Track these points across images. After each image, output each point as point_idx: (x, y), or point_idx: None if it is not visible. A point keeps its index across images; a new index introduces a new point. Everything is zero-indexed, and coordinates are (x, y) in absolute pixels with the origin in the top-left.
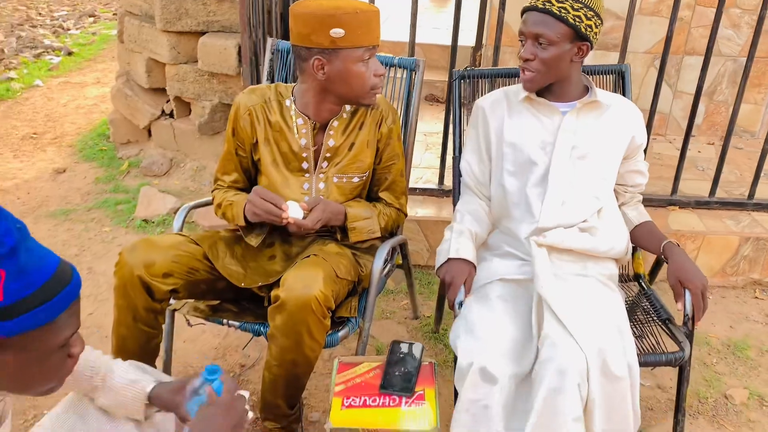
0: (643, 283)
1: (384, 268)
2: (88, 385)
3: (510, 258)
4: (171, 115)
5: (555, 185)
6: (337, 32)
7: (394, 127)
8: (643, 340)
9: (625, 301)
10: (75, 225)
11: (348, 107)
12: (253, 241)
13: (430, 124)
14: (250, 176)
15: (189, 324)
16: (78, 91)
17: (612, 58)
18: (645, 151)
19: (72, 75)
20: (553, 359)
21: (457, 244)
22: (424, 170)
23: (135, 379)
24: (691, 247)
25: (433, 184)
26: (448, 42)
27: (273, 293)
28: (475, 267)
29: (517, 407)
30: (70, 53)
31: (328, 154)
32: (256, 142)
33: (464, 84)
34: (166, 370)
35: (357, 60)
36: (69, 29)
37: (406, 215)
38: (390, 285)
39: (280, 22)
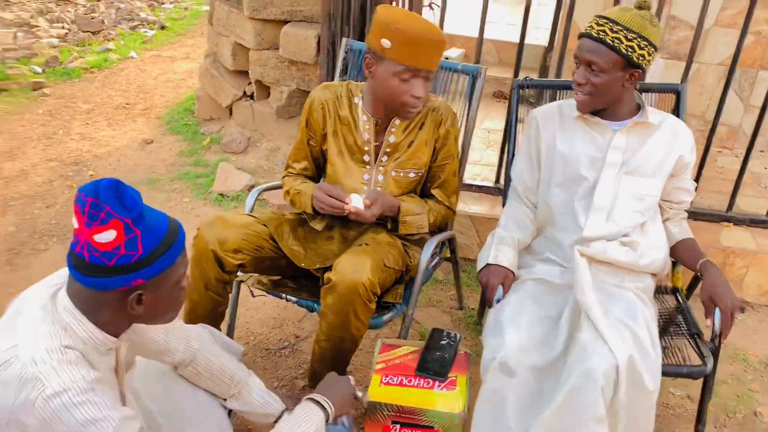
0: (679, 297)
1: (431, 261)
2: (225, 391)
3: (551, 263)
4: (251, 96)
5: (601, 199)
6: (385, 42)
7: (451, 130)
8: (669, 351)
9: (659, 313)
10: (158, 194)
11: None
12: (318, 225)
13: (495, 122)
14: (318, 165)
15: (252, 295)
16: (168, 65)
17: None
18: (703, 165)
19: (163, 49)
20: (582, 362)
21: (496, 251)
22: (483, 167)
23: (268, 401)
24: (739, 265)
25: (489, 182)
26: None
27: (326, 275)
28: (513, 273)
29: (537, 402)
30: (163, 27)
31: (388, 150)
32: (326, 133)
33: (523, 92)
34: (230, 333)
35: (396, 75)
36: (163, 3)
37: (455, 213)
38: (439, 275)
39: (359, 17)
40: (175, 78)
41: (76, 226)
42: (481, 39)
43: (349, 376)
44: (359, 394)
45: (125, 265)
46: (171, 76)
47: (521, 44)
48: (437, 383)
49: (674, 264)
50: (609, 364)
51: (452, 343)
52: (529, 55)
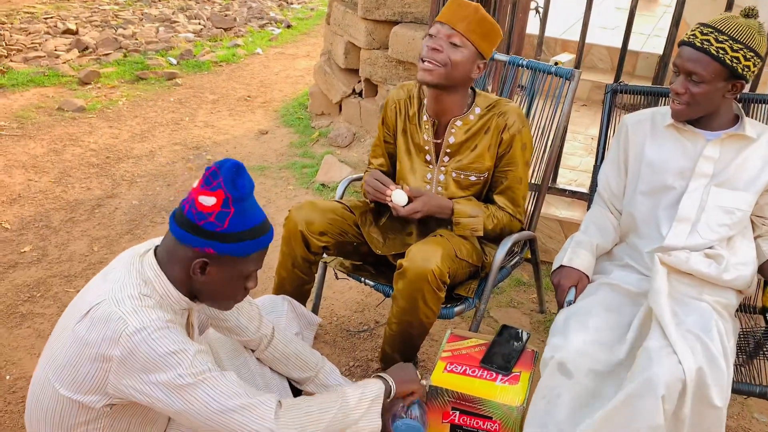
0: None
1: (510, 260)
2: (299, 375)
3: (629, 270)
4: (360, 94)
5: (686, 210)
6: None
7: (517, 136)
8: (746, 369)
9: (742, 332)
10: (267, 180)
11: (477, 109)
12: (382, 219)
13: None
14: (395, 162)
15: (336, 277)
16: (290, 62)
17: None
18: None
19: (287, 47)
20: (646, 369)
21: (572, 253)
22: (580, 173)
23: (342, 384)
24: None
25: (584, 188)
26: (638, 48)
27: (399, 261)
28: (587, 276)
29: (593, 403)
30: (289, 26)
31: (448, 150)
32: (396, 131)
33: (617, 97)
34: (314, 311)
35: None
36: (291, 3)
37: (521, 222)
38: (524, 277)
39: None
40: (295, 74)
41: (194, 185)
42: (582, 44)
43: (413, 365)
44: (423, 381)
45: (208, 230)
46: (291, 73)
47: (624, 49)
48: (500, 376)
49: (766, 283)
50: (674, 375)
51: (520, 340)
52: (644, 64)
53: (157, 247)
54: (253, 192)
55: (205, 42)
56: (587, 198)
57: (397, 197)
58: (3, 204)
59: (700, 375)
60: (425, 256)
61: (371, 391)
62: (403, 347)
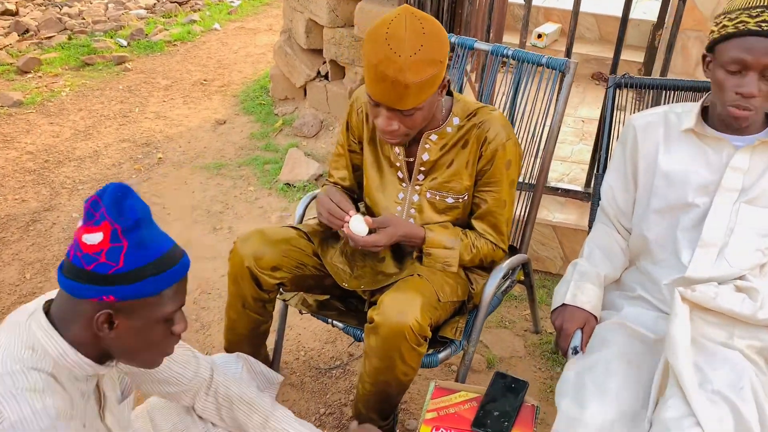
0: None
1: (501, 286)
2: (247, 421)
3: (643, 305)
4: (326, 77)
5: (712, 232)
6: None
7: (500, 151)
8: None
9: None
10: (225, 180)
11: (455, 120)
12: (348, 250)
13: (592, 108)
14: (361, 176)
15: (300, 313)
16: (250, 38)
17: None
18: None
19: (248, 20)
20: None
21: (575, 288)
22: (572, 165)
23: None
24: None
25: (579, 186)
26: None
27: (369, 313)
28: (595, 317)
29: None
30: None
31: (422, 168)
32: (363, 140)
33: (620, 92)
34: (278, 350)
35: (370, 102)
36: None
37: (505, 252)
38: (516, 290)
39: None
40: (256, 52)
41: (79, 224)
42: (573, 30)
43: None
44: None
45: (101, 274)
46: (252, 50)
47: (624, 21)
48: None
49: None
50: None
51: (517, 392)
52: (634, 32)
53: (49, 302)
54: (150, 215)
55: (159, 19)
56: (583, 197)
57: (356, 225)
58: None
59: None
60: (401, 309)
61: None
62: (379, 406)
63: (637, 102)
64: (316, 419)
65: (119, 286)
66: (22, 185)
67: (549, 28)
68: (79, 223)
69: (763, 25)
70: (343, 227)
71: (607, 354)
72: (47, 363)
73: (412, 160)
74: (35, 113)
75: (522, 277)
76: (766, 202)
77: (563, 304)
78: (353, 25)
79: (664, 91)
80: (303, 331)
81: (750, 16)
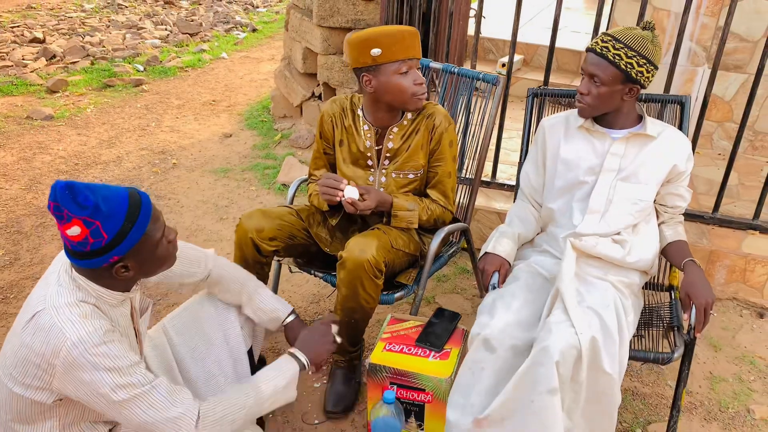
0: (673, 294)
1: (448, 250)
2: (236, 297)
3: (546, 255)
4: (319, 97)
5: (596, 202)
6: (375, 51)
7: (445, 134)
8: (643, 339)
9: (648, 308)
10: (230, 182)
11: (409, 115)
12: (333, 221)
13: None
14: (335, 170)
15: (290, 270)
16: (254, 66)
17: (731, 79)
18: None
19: (252, 51)
20: (544, 340)
21: (496, 242)
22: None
23: (276, 307)
24: (760, 272)
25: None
26: (581, 48)
27: (339, 254)
28: (509, 262)
29: (510, 377)
30: (254, 30)
31: (388, 154)
32: (334, 143)
33: (537, 101)
34: None
35: (396, 72)
36: (257, 7)
37: (452, 213)
38: (468, 265)
39: (418, 23)
40: (259, 78)
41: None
42: (513, 44)
43: (333, 325)
44: (339, 339)
45: (98, 248)
46: (255, 77)
47: (551, 50)
48: (433, 353)
49: (670, 264)
50: (569, 343)
51: (452, 320)
52: (578, 62)
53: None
54: (100, 187)
55: (172, 48)
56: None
57: (350, 192)
58: None
59: (593, 344)
60: (362, 248)
61: (284, 378)
62: (348, 331)
63: (555, 107)
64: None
65: (116, 248)
66: None
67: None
68: (56, 223)
69: (595, 45)
70: (340, 197)
71: (514, 286)
72: (91, 298)
73: (380, 148)
74: (65, 126)
75: (465, 245)
76: (636, 179)
77: (486, 253)
78: (343, 53)
79: (571, 99)
80: (293, 294)
81: (594, 39)
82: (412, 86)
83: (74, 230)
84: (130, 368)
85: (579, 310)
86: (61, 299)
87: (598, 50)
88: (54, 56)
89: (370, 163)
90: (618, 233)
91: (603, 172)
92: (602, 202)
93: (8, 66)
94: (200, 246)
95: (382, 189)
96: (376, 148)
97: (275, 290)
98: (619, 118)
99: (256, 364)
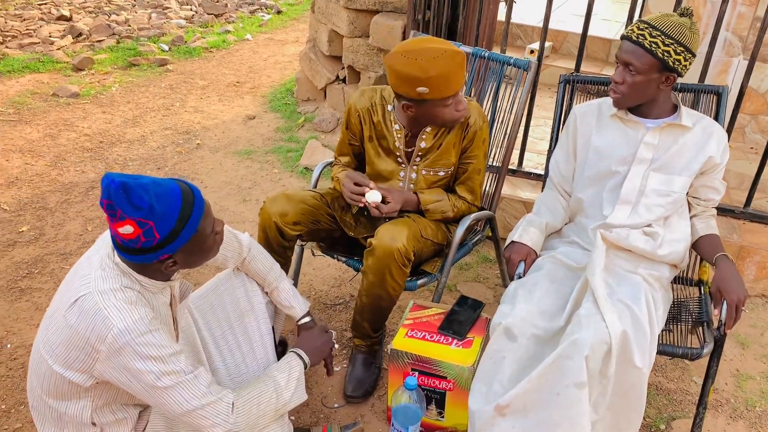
0: (702, 289)
1: (472, 238)
2: (264, 287)
3: (574, 246)
4: (344, 80)
5: (628, 193)
6: (422, 90)
7: (478, 132)
8: (671, 334)
9: (677, 302)
10: (253, 164)
11: None
12: (354, 209)
13: None
14: (361, 159)
15: (313, 254)
16: (278, 48)
17: (767, 70)
18: None
19: (277, 32)
20: (574, 333)
21: (522, 231)
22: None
23: (292, 305)
24: None
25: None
26: (611, 36)
27: (369, 241)
28: (535, 252)
29: (533, 366)
30: (279, 12)
31: (420, 153)
32: (363, 138)
33: (568, 87)
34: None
35: (441, 106)
36: None
37: (478, 208)
38: (491, 254)
39: (446, 6)
40: (283, 60)
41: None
42: (545, 29)
43: (331, 331)
44: (336, 346)
45: (149, 247)
46: (279, 59)
47: (583, 37)
48: (455, 341)
49: (701, 258)
50: (599, 337)
51: (475, 308)
52: (607, 50)
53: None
54: (152, 183)
55: (197, 28)
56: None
57: (372, 196)
58: (1, 186)
59: (624, 338)
60: (393, 236)
61: (295, 371)
62: (372, 317)
63: (586, 95)
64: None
65: (167, 247)
66: (82, 160)
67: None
68: (108, 220)
69: (630, 32)
70: (362, 203)
71: (537, 275)
72: (136, 284)
73: (411, 150)
74: (90, 103)
75: (490, 233)
76: (669, 170)
77: (512, 242)
78: (368, 36)
79: (603, 87)
80: (314, 277)
81: (629, 27)
82: (455, 113)
83: (127, 229)
84: (173, 356)
85: (609, 303)
86: (106, 284)
87: (634, 38)
88: (80, 34)
89: (399, 160)
90: (649, 225)
91: (636, 162)
92: (634, 193)
93: (35, 43)
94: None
95: (412, 185)
96: (407, 150)
97: (297, 275)
98: (654, 108)
99: (277, 345)
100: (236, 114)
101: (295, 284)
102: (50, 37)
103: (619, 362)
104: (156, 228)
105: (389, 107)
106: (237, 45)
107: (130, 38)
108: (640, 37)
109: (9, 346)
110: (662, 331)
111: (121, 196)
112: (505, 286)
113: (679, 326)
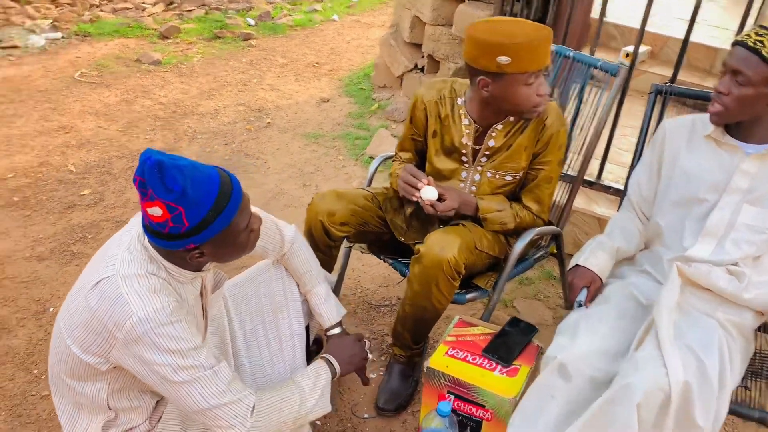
0: None
1: (535, 253)
2: (293, 286)
3: (646, 277)
4: (422, 69)
5: (715, 223)
6: (504, 59)
7: (555, 136)
8: (749, 392)
9: (756, 354)
10: (319, 148)
11: None
12: (409, 208)
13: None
14: (424, 156)
15: (361, 252)
16: (363, 31)
17: None
18: None
19: (364, 15)
20: (627, 376)
21: (590, 254)
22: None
23: (322, 314)
24: None
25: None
26: (718, 45)
27: (416, 247)
28: (601, 279)
29: (583, 411)
30: None
31: (487, 152)
32: (427, 133)
33: (660, 98)
34: (339, 283)
35: (521, 83)
36: None
37: (544, 222)
38: (555, 270)
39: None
40: (366, 44)
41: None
42: (641, 32)
43: (366, 341)
44: (370, 356)
45: (177, 233)
46: (363, 42)
47: (684, 44)
48: (500, 367)
49: None
50: (656, 384)
51: (527, 333)
52: (712, 60)
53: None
54: (190, 166)
55: (285, 5)
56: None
57: (427, 193)
58: (72, 147)
59: (686, 390)
60: (443, 245)
61: (322, 379)
62: (414, 328)
63: (679, 109)
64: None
65: (194, 236)
66: (153, 128)
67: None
68: (139, 198)
69: (746, 37)
70: (416, 197)
71: (605, 307)
72: (162, 272)
73: (478, 147)
74: (170, 72)
75: (555, 250)
76: (766, 203)
77: (576, 265)
78: (452, 25)
79: (702, 102)
80: (363, 274)
81: (746, 31)
82: (535, 97)
83: (155, 211)
84: (192, 351)
85: (674, 347)
86: (131, 269)
87: (750, 44)
88: (172, 2)
89: (464, 159)
90: (735, 263)
91: (728, 190)
92: (722, 226)
93: (128, 8)
94: (278, 212)
95: (474, 188)
96: (475, 147)
97: (342, 273)
98: (757, 129)
99: (311, 345)
100: (311, 95)
101: (340, 282)
102: (143, 2)
103: (677, 418)
104: (186, 215)
105: (459, 100)
106: (322, 25)
107: (219, 10)
108: (758, 43)
109: (51, 309)
110: (737, 387)
111: (155, 175)
112: (568, 308)
113: (759, 383)
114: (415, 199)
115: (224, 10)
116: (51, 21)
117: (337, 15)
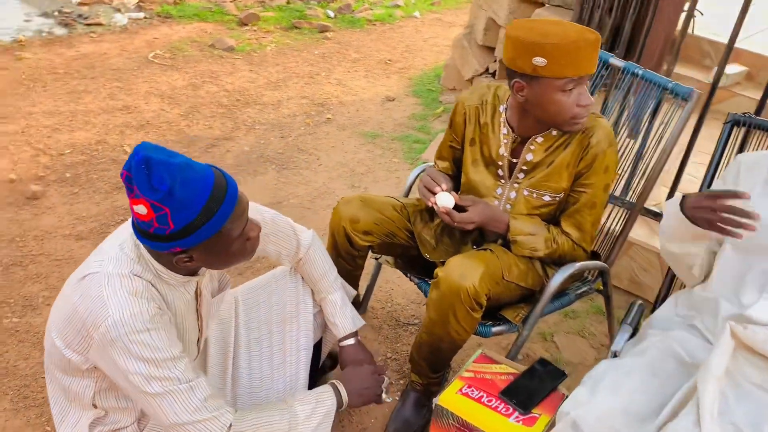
0: None
1: (579, 287)
2: (311, 293)
3: (693, 332)
4: (493, 74)
5: None
6: (539, 61)
7: (600, 156)
8: None
9: None
10: (375, 149)
11: None
12: (437, 226)
13: None
14: (460, 167)
15: (388, 264)
16: (443, 30)
17: None
18: None
19: (447, 13)
20: None
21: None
22: None
23: (335, 324)
24: None
25: None
26: None
27: (436, 270)
28: None
29: None
30: None
31: (524, 167)
32: (464, 141)
33: (737, 131)
34: (368, 294)
35: (557, 89)
36: None
37: (586, 251)
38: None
39: (618, 6)
40: (443, 43)
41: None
42: (728, 50)
43: (385, 376)
44: (384, 396)
45: (162, 235)
46: (440, 41)
47: None
48: (516, 414)
49: None
50: None
51: (554, 378)
52: None
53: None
54: (181, 162)
55: None
56: None
57: (443, 199)
58: (132, 128)
59: None
60: (463, 272)
61: (323, 407)
62: (430, 357)
63: (762, 142)
64: (382, 360)
65: (179, 240)
66: (213, 115)
67: (732, 69)
68: (126, 193)
69: None
70: (431, 202)
71: (637, 361)
72: (148, 274)
73: (515, 160)
74: (241, 60)
75: (601, 287)
76: None
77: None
78: None
79: None
80: (396, 287)
81: None
82: (574, 108)
83: (141, 209)
84: (168, 361)
85: (717, 422)
86: (117, 267)
87: None
88: None
89: (500, 173)
90: None
91: None
92: None
93: None
94: (321, 212)
95: (509, 206)
96: (512, 159)
97: (372, 286)
98: None
99: (325, 359)
100: (376, 93)
101: (369, 294)
102: None
103: None
104: (171, 217)
105: (501, 107)
106: (402, 21)
107: (302, 0)
108: None
109: None
110: None
111: (142, 172)
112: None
113: None
114: (430, 204)
115: (307, 0)
116: (137, 1)
117: (419, 12)
